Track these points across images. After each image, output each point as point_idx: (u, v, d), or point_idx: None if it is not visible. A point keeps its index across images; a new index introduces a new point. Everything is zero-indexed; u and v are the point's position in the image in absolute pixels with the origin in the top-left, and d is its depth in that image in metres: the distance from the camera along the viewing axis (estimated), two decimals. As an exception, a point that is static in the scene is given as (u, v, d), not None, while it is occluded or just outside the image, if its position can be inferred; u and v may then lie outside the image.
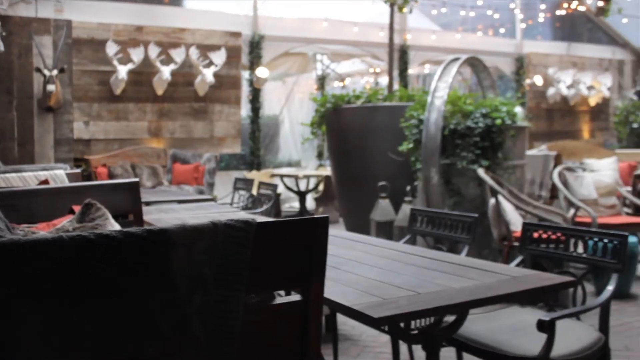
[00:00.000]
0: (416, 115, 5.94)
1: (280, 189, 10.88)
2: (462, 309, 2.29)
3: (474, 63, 6.51)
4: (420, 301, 2.03)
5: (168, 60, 9.76)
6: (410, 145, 5.95)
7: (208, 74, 9.97)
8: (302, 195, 10.84)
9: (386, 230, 6.44)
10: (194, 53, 9.93)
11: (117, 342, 1.41)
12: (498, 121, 5.47)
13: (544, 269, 4.08)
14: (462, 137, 5.56)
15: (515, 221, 5.11)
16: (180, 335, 1.45)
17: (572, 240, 2.96)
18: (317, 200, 10.23)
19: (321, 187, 10.34)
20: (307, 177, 10.64)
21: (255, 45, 10.81)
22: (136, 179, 3.38)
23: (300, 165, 12.31)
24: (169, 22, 10.02)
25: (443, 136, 5.57)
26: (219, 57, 10.18)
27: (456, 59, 6.05)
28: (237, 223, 1.48)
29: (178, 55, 9.83)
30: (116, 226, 2.16)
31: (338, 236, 3.45)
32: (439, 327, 2.47)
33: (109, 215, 2.18)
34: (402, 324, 2.69)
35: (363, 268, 2.58)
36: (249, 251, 1.49)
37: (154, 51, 9.59)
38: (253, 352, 1.60)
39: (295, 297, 1.65)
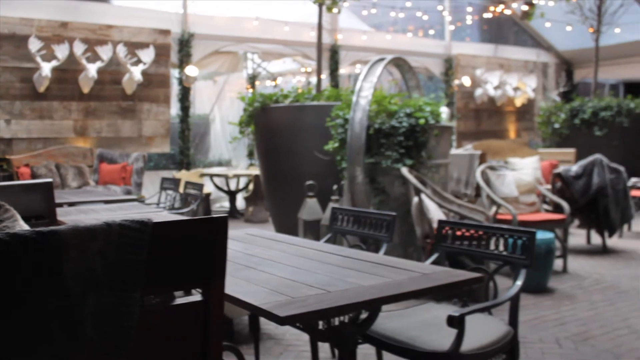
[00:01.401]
0: (342, 114, 5.99)
1: (211, 188, 10.80)
2: (368, 307, 2.31)
3: (400, 63, 6.60)
4: (328, 299, 2.05)
5: (94, 58, 9.54)
6: (336, 145, 5.99)
7: (136, 72, 9.80)
8: (232, 195, 10.80)
9: (314, 229, 6.47)
10: (121, 51, 9.74)
11: (7, 346, 1.37)
12: (422, 121, 5.56)
13: (463, 266, 4.18)
14: (386, 136, 5.63)
15: (438, 219, 5.20)
16: (73, 338, 1.42)
17: (485, 237, 3.03)
18: (248, 199, 10.19)
19: (251, 186, 10.31)
20: (237, 176, 10.59)
21: (185, 44, 10.68)
22: (49, 179, 3.29)
23: (231, 165, 12.24)
24: (95, 19, 9.79)
25: (368, 135, 5.63)
26: (147, 55, 10.02)
27: (381, 59, 6.12)
28: (132, 223, 1.46)
29: (105, 52, 9.62)
30: (25, 228, 2.10)
31: (258, 235, 3.44)
32: (349, 325, 2.49)
33: (19, 217, 2.11)
34: (322, 323, 2.71)
35: (277, 267, 2.58)
36: (145, 252, 1.47)
37: (79, 48, 9.36)
38: (152, 354, 1.58)
39: (195, 297, 1.64)
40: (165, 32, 10.41)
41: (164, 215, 4.56)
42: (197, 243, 1.57)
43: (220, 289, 1.64)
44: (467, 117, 14.08)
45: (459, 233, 3.15)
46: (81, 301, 1.41)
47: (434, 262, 3.12)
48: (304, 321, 2.45)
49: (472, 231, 3.09)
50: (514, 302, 2.86)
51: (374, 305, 2.30)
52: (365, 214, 3.60)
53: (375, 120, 5.68)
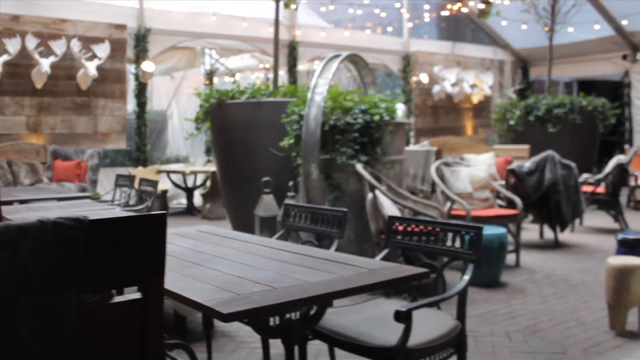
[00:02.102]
0: (297, 111, 5.99)
1: (168, 185, 10.70)
2: (313, 303, 2.33)
3: (355, 60, 6.62)
4: (273, 296, 2.05)
5: (48, 52, 9.36)
6: (292, 141, 5.99)
7: (91, 68, 9.65)
8: (189, 192, 10.72)
9: (270, 226, 6.45)
10: (75, 45, 9.57)
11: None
12: (376, 117, 5.59)
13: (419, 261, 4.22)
14: (341, 132, 5.65)
15: (389, 215, 5.24)
16: (6, 339, 1.40)
17: (434, 233, 3.07)
18: (205, 196, 10.13)
19: (209, 183, 10.24)
20: (195, 173, 10.52)
21: (141, 39, 10.55)
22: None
23: (188, 161, 12.14)
24: (48, 12, 9.60)
25: (323, 132, 5.64)
26: (102, 50, 9.87)
27: (337, 56, 6.13)
28: (66, 221, 1.44)
29: (58, 47, 9.45)
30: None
31: (209, 232, 3.42)
32: (296, 321, 2.50)
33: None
34: (273, 319, 2.71)
35: (225, 264, 2.57)
36: (80, 250, 1.45)
37: (32, 42, 9.17)
38: (90, 354, 1.56)
39: (134, 295, 1.63)
40: (121, 27, 10.27)
41: (115, 213, 4.51)
42: (135, 240, 1.55)
43: (159, 287, 1.63)
44: (424, 113, 14.20)
45: (409, 229, 3.18)
46: (13, 301, 1.39)
47: (385, 258, 3.15)
48: (248, 318, 2.44)
49: (421, 227, 3.12)
50: (462, 296, 2.90)
51: (318, 301, 2.31)
52: (317, 210, 3.61)
53: (330, 117, 5.70)
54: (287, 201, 6.19)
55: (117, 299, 1.62)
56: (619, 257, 4.53)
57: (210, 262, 2.62)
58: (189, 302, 2.03)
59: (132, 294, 1.63)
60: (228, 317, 1.87)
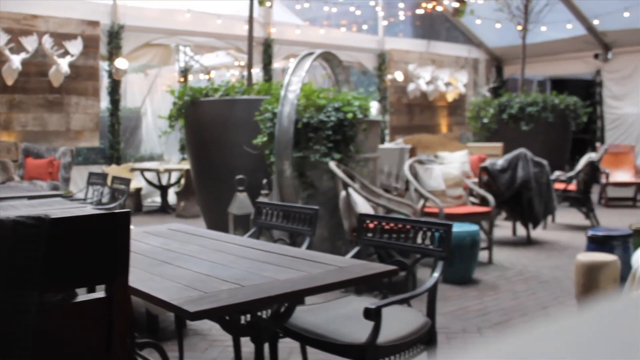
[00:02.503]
0: (271, 108, 5.97)
1: (142, 183, 10.63)
2: (280, 300, 2.32)
3: (329, 58, 6.62)
4: (241, 294, 2.04)
5: (19, 49, 9.24)
6: (265, 139, 5.98)
7: (63, 64, 9.54)
8: (163, 190, 10.65)
9: (244, 224, 6.44)
10: (47, 42, 9.46)
11: None
12: (350, 115, 5.59)
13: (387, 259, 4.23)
14: (315, 130, 5.65)
15: (360, 213, 5.26)
16: (-35, 338, 1.38)
17: (405, 231, 3.08)
18: (179, 194, 10.07)
19: (183, 181, 10.19)
20: (169, 171, 10.46)
21: (115, 36, 10.46)
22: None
23: (163, 159, 12.05)
24: (19, 8, 9.47)
25: (296, 129, 5.63)
26: (75, 47, 9.76)
27: (310, 54, 6.13)
28: (27, 220, 1.42)
29: (30, 43, 9.33)
30: None
31: (179, 230, 3.41)
32: (265, 320, 2.50)
33: None
34: (244, 317, 2.70)
35: (194, 262, 2.56)
36: (41, 248, 1.43)
37: (2, 38, 9.05)
38: (53, 354, 1.55)
39: (99, 294, 1.61)
40: (94, 24, 10.17)
41: (85, 211, 4.46)
42: (98, 239, 1.54)
43: (124, 286, 1.61)
44: (399, 111, 14.25)
45: (379, 226, 3.19)
46: (-27, 300, 1.37)
47: (356, 255, 3.16)
48: (215, 316, 2.44)
49: (391, 224, 3.14)
50: (432, 293, 2.92)
51: (286, 299, 2.31)
52: (289, 208, 3.61)
53: (303, 115, 5.69)
54: (261, 199, 6.18)
55: (80, 298, 1.60)
56: (588, 253, 4.59)
57: (179, 260, 2.61)
58: (156, 300, 2.02)
59: (95, 293, 1.62)
60: (194, 316, 1.86)
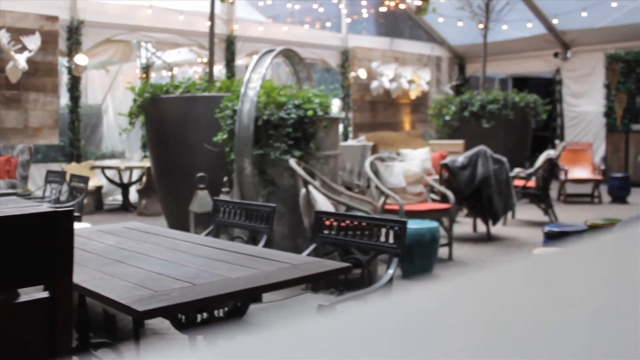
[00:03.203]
0: (231, 106, 5.95)
1: (103, 181, 10.50)
2: (231, 299, 2.32)
3: (290, 55, 6.62)
4: (191, 292, 2.03)
5: (-26, 44, 9.05)
6: (225, 136, 5.95)
7: (21, 60, 9.35)
8: (125, 188, 10.54)
9: (205, 222, 6.40)
10: (4, 37, 9.27)
11: None
12: (310, 112, 5.60)
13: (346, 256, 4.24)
14: (275, 127, 5.64)
15: (327, 210, 5.27)
16: None
17: (361, 228, 3.10)
18: (141, 192, 9.97)
19: (145, 179, 10.09)
20: (130, 168, 10.35)
21: (74, 31, 10.30)
22: None
23: (124, 157, 11.92)
24: (-26, 3, 9.29)
25: (257, 127, 5.62)
26: (33, 42, 9.58)
27: (270, 51, 6.12)
28: (-35, 219, 1.40)
29: (-15, 38, 9.15)
30: None
31: (135, 229, 3.38)
32: (218, 318, 2.49)
33: None
34: (200, 316, 2.69)
35: (147, 261, 2.54)
36: (-20, 248, 1.41)
37: (-44, 34, 8.86)
38: (-6, 354, 1.52)
39: (42, 294, 1.59)
40: (53, 19, 10.00)
41: (26, 209, 4.39)
42: (40, 238, 1.52)
43: (67, 285, 1.59)
44: (363, 109, 14.30)
45: (335, 224, 3.20)
46: None
47: (312, 253, 3.17)
48: (164, 315, 2.42)
49: (347, 222, 3.15)
50: (387, 289, 2.94)
51: (238, 297, 2.30)
52: (246, 206, 3.60)
53: (263, 112, 5.68)
54: (221, 197, 6.16)
55: (23, 298, 1.58)
56: (543, 248, 4.67)
57: (132, 259, 2.58)
58: (105, 300, 2.00)
59: (37, 294, 1.60)
60: (143, 315, 1.85)
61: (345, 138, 13.45)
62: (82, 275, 2.25)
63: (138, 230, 3.34)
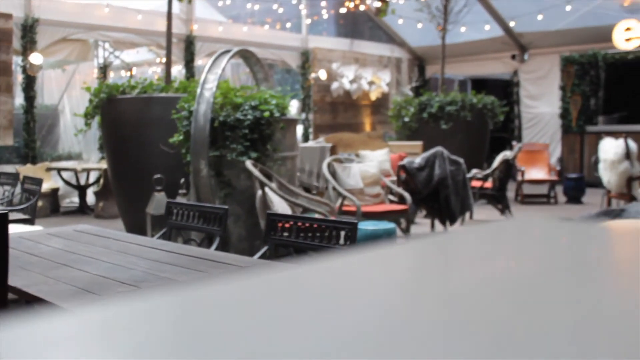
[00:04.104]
0: (187, 106, 5.91)
1: (59, 183, 10.33)
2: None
3: (247, 55, 6.60)
4: (135, 296, 2.01)
5: None
6: (181, 137, 5.91)
7: (-27, 59, 9.17)
8: (82, 190, 10.39)
9: (162, 224, 6.34)
10: (-45, 35, 9.07)
11: None
12: (266, 113, 5.59)
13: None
14: (232, 129, 5.62)
15: (283, 212, 5.27)
16: None
17: (312, 230, 3.11)
18: (98, 194, 9.84)
19: (102, 181, 9.96)
20: (87, 170, 10.20)
21: (29, 29, 10.11)
22: None
23: (81, 158, 11.74)
24: None
25: (213, 128, 5.59)
26: (-15, 41, 9.39)
27: (227, 51, 6.10)
28: None
29: (-64, 37, 8.93)
30: None
31: (85, 232, 3.33)
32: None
33: None
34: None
35: (94, 264, 2.51)
36: None
37: None
38: None
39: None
40: (7, 16, 9.78)
41: None
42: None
43: (1, 289, 1.57)
44: (323, 110, 14.33)
45: (287, 225, 3.20)
46: None
47: (264, 255, 3.16)
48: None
49: (299, 223, 3.15)
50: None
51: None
52: (199, 208, 3.58)
53: (220, 113, 5.66)
54: (178, 199, 6.11)
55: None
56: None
57: (79, 262, 2.55)
58: (45, 305, 1.97)
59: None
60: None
61: (306, 139, 13.46)
62: (26, 280, 2.22)
63: (88, 233, 3.30)
